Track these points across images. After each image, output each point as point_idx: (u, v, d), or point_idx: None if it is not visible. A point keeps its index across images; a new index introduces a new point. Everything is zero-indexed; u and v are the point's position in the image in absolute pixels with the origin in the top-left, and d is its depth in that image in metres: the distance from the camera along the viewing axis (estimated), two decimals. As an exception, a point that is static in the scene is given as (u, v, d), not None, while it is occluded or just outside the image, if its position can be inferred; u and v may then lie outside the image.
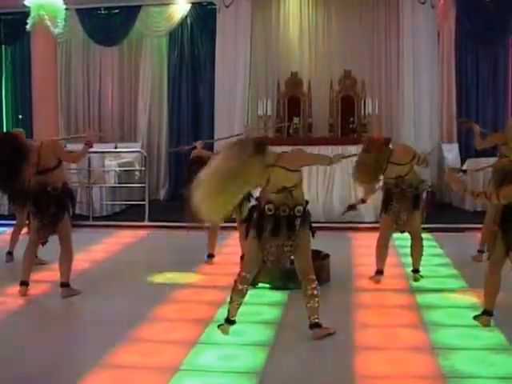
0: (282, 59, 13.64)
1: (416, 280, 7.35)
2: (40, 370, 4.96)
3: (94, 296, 6.96)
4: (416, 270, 7.43)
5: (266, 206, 5.43)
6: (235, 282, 5.60)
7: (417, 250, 7.40)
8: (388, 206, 7.19)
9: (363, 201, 7.58)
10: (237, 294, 5.55)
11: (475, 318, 5.84)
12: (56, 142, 7.18)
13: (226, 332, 5.56)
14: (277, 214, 5.40)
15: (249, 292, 5.67)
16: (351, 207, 7.65)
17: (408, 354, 5.19)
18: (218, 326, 5.60)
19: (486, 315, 5.77)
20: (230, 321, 5.59)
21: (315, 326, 5.56)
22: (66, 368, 5.03)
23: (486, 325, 5.72)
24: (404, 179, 7.12)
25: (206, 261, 8.29)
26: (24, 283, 6.94)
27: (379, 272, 7.37)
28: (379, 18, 13.43)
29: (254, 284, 6.27)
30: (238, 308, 5.59)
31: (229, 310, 5.59)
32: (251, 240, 5.55)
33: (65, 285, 6.95)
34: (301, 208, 5.44)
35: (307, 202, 5.56)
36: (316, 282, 5.57)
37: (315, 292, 5.54)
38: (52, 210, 6.74)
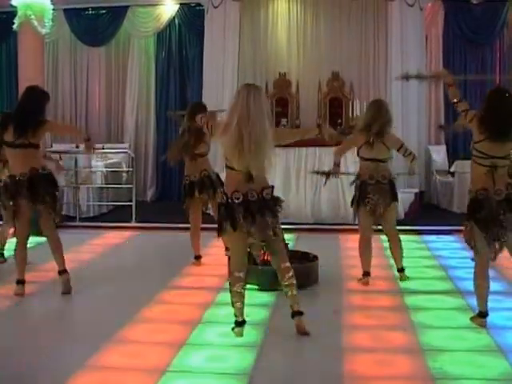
0: (271, 60, 13.63)
1: (402, 279, 7.34)
2: (27, 371, 4.93)
3: (81, 297, 6.92)
4: (401, 269, 7.42)
5: (234, 195, 5.38)
6: (230, 284, 5.59)
7: (396, 248, 7.37)
8: (365, 198, 7.13)
9: (336, 165, 7.49)
10: (235, 295, 5.55)
11: (471, 319, 5.88)
12: None
13: (240, 334, 5.55)
14: (245, 200, 5.35)
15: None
16: (326, 174, 7.45)
17: (396, 356, 5.19)
18: (232, 330, 5.59)
19: (480, 317, 5.79)
20: (239, 323, 5.59)
21: (298, 313, 5.58)
22: (52, 369, 4.98)
23: (482, 326, 5.73)
24: (378, 167, 7.10)
25: (194, 262, 8.27)
26: (20, 282, 6.87)
27: (366, 274, 7.36)
28: (367, 20, 13.41)
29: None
30: (243, 308, 5.59)
31: (235, 314, 5.59)
32: (230, 236, 5.53)
33: (64, 271, 6.94)
34: (269, 191, 5.42)
35: (273, 187, 5.52)
36: (292, 271, 5.58)
37: (293, 281, 5.56)
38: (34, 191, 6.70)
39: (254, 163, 5.27)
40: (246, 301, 5.67)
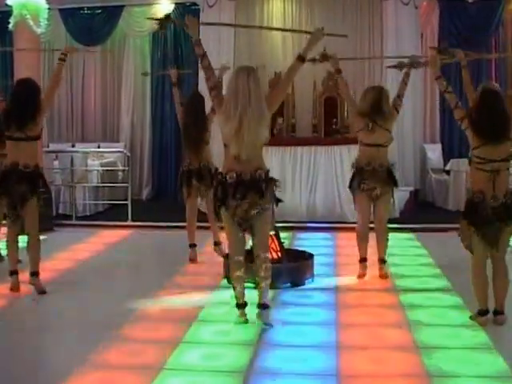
0: (266, 59, 13.60)
1: (382, 272, 7.34)
2: (25, 371, 4.94)
3: (77, 295, 6.93)
4: (383, 260, 7.41)
5: (228, 175, 5.45)
6: (230, 269, 5.64)
7: (382, 242, 7.37)
8: (360, 183, 7.16)
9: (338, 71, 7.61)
10: (236, 279, 5.66)
11: (471, 318, 5.90)
12: None
13: (243, 317, 5.67)
14: (239, 179, 5.42)
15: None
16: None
17: (392, 353, 5.19)
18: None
19: (480, 315, 5.80)
20: (240, 305, 5.69)
21: (264, 306, 5.66)
22: (51, 368, 5.02)
23: (484, 325, 5.72)
24: (379, 152, 7.12)
25: (191, 255, 8.25)
26: (14, 272, 6.87)
27: (363, 260, 7.36)
28: (362, 19, 13.40)
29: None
30: (243, 291, 5.69)
31: (236, 296, 5.68)
32: (224, 218, 5.60)
33: (36, 274, 6.86)
34: (262, 172, 5.48)
35: (268, 170, 5.60)
36: (269, 263, 5.65)
37: (268, 273, 5.64)
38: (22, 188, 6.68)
39: (251, 148, 5.42)
40: (242, 299, 5.70)
